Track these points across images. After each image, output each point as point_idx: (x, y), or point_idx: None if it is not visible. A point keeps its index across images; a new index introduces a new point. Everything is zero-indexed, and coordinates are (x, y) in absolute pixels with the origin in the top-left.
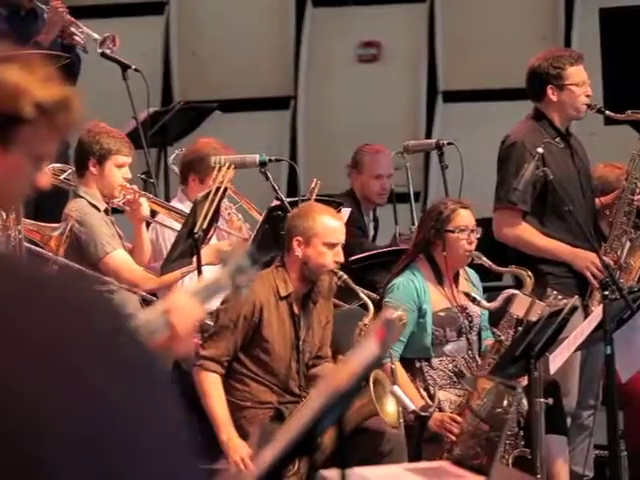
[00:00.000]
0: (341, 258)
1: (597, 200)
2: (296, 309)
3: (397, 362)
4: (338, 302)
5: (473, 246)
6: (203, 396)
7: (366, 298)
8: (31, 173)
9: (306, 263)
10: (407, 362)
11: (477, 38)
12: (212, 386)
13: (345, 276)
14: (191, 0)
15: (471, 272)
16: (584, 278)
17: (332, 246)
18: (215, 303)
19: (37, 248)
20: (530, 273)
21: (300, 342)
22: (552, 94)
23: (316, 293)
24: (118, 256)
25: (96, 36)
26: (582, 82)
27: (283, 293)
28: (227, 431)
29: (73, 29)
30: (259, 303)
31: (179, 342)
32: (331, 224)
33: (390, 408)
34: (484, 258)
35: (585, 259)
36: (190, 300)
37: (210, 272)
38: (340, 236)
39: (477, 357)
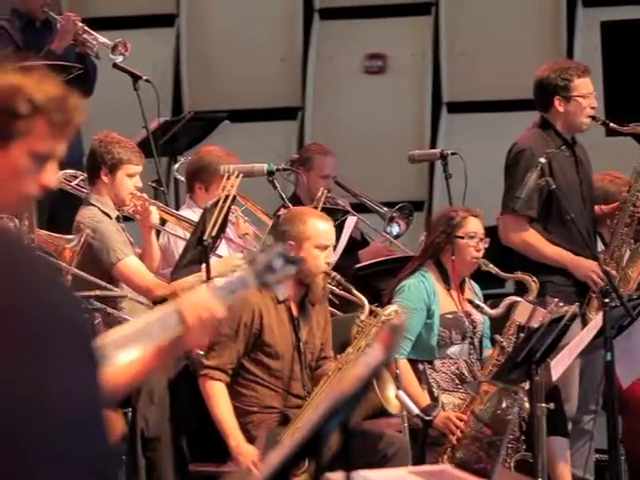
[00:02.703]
0: (332, 259)
1: (598, 208)
2: (295, 312)
3: (404, 359)
4: (334, 311)
5: (480, 254)
6: (210, 404)
7: (360, 295)
8: (35, 172)
9: (300, 267)
10: (410, 364)
11: (481, 50)
12: (218, 394)
13: (338, 276)
14: (201, 13)
15: (473, 283)
16: (582, 287)
17: (324, 248)
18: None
19: (51, 258)
20: (535, 279)
21: (301, 344)
22: (559, 105)
23: (312, 295)
24: (130, 263)
25: (108, 42)
26: (588, 94)
27: (280, 297)
28: (235, 437)
29: (85, 36)
30: (258, 309)
31: (191, 337)
32: (321, 227)
33: (391, 394)
34: (491, 265)
35: (586, 267)
36: (208, 296)
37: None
38: (331, 237)
39: (478, 362)
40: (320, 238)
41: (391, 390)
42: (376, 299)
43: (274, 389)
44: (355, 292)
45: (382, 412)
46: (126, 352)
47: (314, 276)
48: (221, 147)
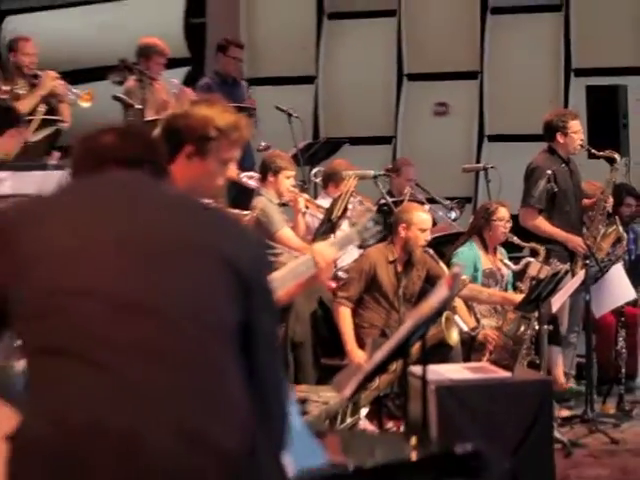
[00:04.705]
0: (428, 238)
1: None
2: (399, 268)
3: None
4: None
5: (507, 230)
6: (338, 321)
7: (445, 268)
8: (221, 172)
9: (407, 241)
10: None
11: (512, 102)
12: (345, 315)
13: (431, 252)
14: (331, 76)
15: (501, 249)
16: (572, 253)
17: (423, 231)
18: (349, 255)
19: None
20: (543, 248)
21: (400, 289)
22: (560, 138)
23: (413, 259)
24: (286, 232)
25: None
26: (578, 131)
27: (390, 258)
28: (351, 343)
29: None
30: (373, 263)
31: (322, 274)
32: (423, 216)
33: (454, 336)
34: (515, 237)
35: (575, 241)
36: (329, 247)
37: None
38: (428, 224)
39: None
40: (421, 224)
41: (454, 331)
42: (441, 257)
43: (380, 314)
44: (441, 263)
45: (443, 343)
46: (283, 283)
47: (416, 247)
48: (345, 160)
